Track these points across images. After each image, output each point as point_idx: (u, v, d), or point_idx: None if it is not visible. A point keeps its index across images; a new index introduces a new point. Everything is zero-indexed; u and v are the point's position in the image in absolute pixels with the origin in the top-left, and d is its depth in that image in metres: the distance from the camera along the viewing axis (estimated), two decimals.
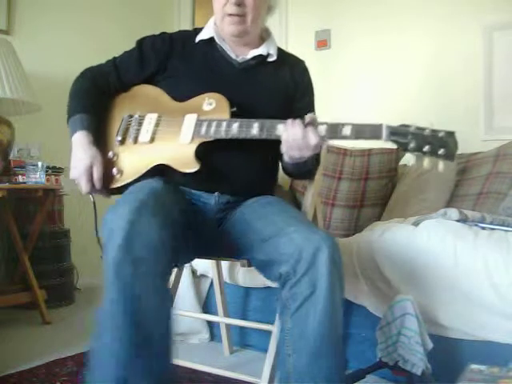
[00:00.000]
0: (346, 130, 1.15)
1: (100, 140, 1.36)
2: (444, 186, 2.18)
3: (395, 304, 1.36)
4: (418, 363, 1.28)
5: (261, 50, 1.43)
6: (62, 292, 2.63)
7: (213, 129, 1.26)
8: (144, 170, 1.29)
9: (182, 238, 1.23)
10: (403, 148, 1.11)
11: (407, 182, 2.28)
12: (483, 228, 1.53)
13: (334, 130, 1.17)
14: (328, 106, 2.87)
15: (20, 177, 2.31)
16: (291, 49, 1.60)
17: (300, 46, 3.10)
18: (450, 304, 1.45)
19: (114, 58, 1.47)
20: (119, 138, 1.35)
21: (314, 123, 1.18)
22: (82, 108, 1.35)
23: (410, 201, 2.18)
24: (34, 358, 1.81)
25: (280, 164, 1.48)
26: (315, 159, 1.39)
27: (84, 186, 1.27)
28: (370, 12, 2.93)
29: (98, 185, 1.27)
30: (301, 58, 1.57)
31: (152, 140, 1.32)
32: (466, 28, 2.61)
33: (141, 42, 1.46)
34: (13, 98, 2.35)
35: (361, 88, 2.96)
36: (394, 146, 1.13)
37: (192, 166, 1.25)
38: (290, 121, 1.20)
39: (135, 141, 1.34)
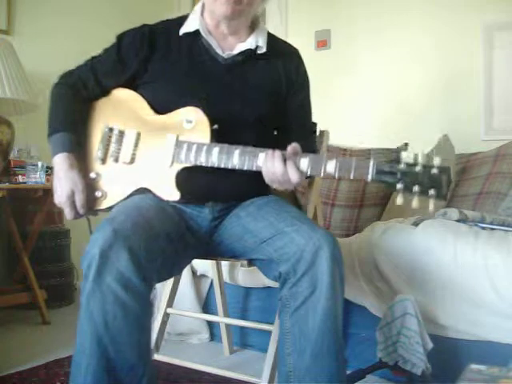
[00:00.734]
0: (330, 167, 1.07)
1: (81, 154, 1.32)
2: None
3: (395, 304, 1.36)
4: (418, 363, 1.28)
5: (248, 44, 1.33)
6: (62, 292, 2.64)
7: (192, 154, 1.20)
8: (127, 193, 1.26)
9: (180, 247, 1.21)
10: (390, 188, 1.03)
11: None
12: (483, 228, 1.53)
13: (317, 166, 1.09)
14: (328, 106, 2.87)
15: (20, 177, 2.31)
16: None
17: (300, 46, 3.08)
18: (450, 304, 1.45)
19: (92, 59, 1.39)
20: (100, 157, 1.30)
21: (294, 157, 1.10)
22: (62, 125, 1.32)
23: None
24: (34, 357, 1.81)
25: None
26: None
27: (68, 214, 1.26)
28: (370, 12, 2.93)
29: (81, 211, 1.26)
30: (298, 52, 1.48)
31: (132, 160, 1.27)
32: (466, 28, 2.61)
33: (120, 40, 1.37)
34: (13, 98, 2.35)
35: (361, 88, 2.96)
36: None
37: (173, 196, 1.22)
38: (270, 152, 1.13)
39: (116, 160, 1.29)
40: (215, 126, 1.24)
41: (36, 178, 2.28)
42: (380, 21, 2.89)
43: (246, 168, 1.16)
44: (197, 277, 2.06)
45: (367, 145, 2.41)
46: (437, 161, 1.01)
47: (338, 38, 3.08)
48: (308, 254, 1.08)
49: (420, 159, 1.02)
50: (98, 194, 1.28)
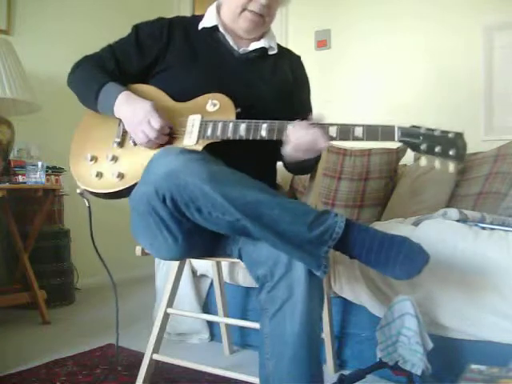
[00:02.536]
0: (358, 132, 1.14)
1: (95, 144, 1.32)
2: (444, 186, 2.18)
3: (395, 304, 1.36)
4: (417, 363, 1.28)
5: (262, 43, 1.44)
6: (62, 292, 2.63)
7: (219, 130, 1.22)
8: None
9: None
10: (415, 149, 1.11)
11: (407, 182, 2.28)
12: (483, 228, 1.53)
13: (346, 132, 1.15)
14: (328, 106, 2.87)
15: (20, 177, 2.31)
16: (291, 49, 1.61)
17: (300, 46, 3.08)
18: (450, 304, 1.45)
19: (110, 46, 1.42)
20: (117, 140, 1.30)
21: (323, 125, 1.16)
22: (105, 79, 1.31)
23: (410, 201, 2.18)
24: (34, 357, 1.81)
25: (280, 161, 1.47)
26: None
27: (156, 120, 1.22)
28: (370, 12, 2.93)
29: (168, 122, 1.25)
30: (301, 58, 1.57)
31: None
32: (466, 28, 2.61)
33: (137, 29, 1.41)
34: (13, 98, 2.35)
35: (361, 88, 2.96)
36: (402, 146, 1.12)
37: None
38: (297, 122, 1.18)
39: (135, 143, 1.29)
40: (238, 110, 1.27)
41: (36, 178, 2.28)
42: (379, 21, 2.89)
43: (275, 138, 1.20)
44: (197, 277, 2.06)
45: (367, 144, 2.41)
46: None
47: (338, 38, 3.08)
48: (284, 257, 1.07)
49: (436, 127, 1.12)
50: (115, 174, 1.26)
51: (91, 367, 1.73)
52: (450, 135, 1.09)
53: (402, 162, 2.35)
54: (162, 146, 1.27)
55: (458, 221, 1.55)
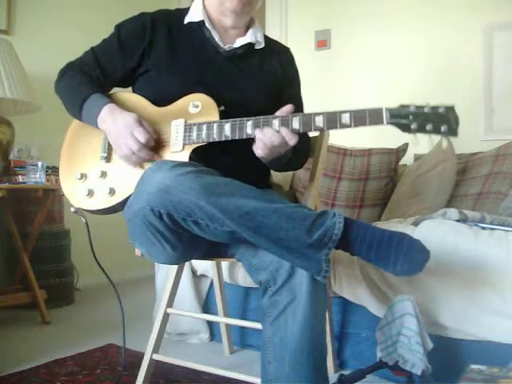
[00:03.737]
0: (345, 119, 1.12)
1: (83, 160, 1.31)
2: (444, 186, 2.17)
3: (395, 304, 1.36)
4: (417, 363, 1.28)
5: (248, 38, 1.40)
6: (62, 292, 2.64)
7: (204, 132, 1.21)
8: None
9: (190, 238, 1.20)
10: (405, 130, 1.08)
11: (407, 182, 2.28)
12: (483, 228, 1.53)
13: (333, 120, 1.13)
14: (327, 106, 2.86)
15: (20, 177, 2.31)
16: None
17: (300, 46, 3.10)
18: (450, 304, 1.45)
19: (93, 50, 1.39)
20: (104, 155, 1.29)
21: (286, 118, 1.15)
22: (91, 89, 1.29)
23: (410, 201, 2.18)
24: (34, 357, 1.81)
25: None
26: (293, 153, 1.33)
27: (141, 134, 1.19)
28: (370, 12, 2.93)
29: (153, 135, 1.23)
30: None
31: None
32: (466, 28, 2.61)
33: (119, 29, 1.38)
34: (13, 98, 2.35)
35: (360, 88, 2.96)
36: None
37: None
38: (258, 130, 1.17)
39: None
40: (222, 108, 1.25)
41: (36, 178, 2.28)
42: (379, 21, 2.89)
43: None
44: (197, 277, 2.06)
45: (368, 144, 2.41)
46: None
47: (338, 38, 3.08)
48: (287, 262, 1.07)
49: (426, 103, 1.09)
50: (106, 190, 1.26)
51: (91, 367, 1.73)
52: (441, 110, 1.07)
53: (402, 161, 2.35)
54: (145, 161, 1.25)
55: (458, 221, 1.55)
